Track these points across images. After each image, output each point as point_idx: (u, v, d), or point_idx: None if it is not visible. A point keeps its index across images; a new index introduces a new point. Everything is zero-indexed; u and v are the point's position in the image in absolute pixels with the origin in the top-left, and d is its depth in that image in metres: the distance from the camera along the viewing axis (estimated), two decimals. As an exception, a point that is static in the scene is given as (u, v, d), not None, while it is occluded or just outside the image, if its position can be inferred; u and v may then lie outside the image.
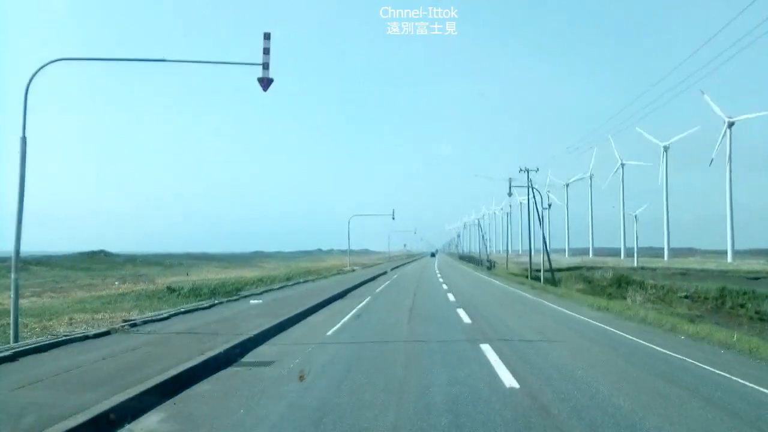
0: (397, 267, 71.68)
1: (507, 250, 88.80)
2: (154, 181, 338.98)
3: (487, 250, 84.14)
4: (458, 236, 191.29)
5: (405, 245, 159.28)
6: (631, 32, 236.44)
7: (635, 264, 78.89)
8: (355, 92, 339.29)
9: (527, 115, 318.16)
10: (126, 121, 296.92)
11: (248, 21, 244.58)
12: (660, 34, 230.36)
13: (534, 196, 46.55)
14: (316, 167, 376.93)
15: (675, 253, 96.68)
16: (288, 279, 28.58)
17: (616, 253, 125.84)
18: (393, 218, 50.78)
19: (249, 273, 62.24)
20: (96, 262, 69.92)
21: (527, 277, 47.01)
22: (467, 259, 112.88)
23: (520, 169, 48.18)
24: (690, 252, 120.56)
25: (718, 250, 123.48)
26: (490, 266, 68.97)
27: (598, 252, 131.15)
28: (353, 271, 53.80)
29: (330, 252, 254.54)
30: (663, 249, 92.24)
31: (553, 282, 40.53)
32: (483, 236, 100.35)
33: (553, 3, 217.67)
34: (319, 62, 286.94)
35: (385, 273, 50.55)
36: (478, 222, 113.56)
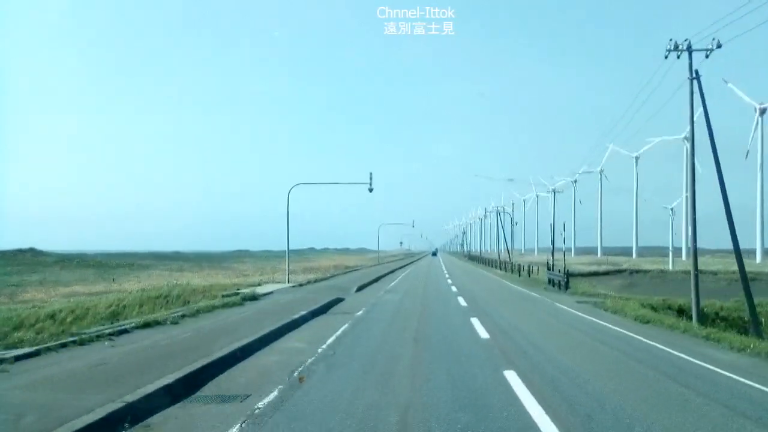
0: (374, 281, 35.81)
1: (551, 247, 66.71)
2: (148, 181, 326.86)
3: (510, 248, 65.61)
4: (464, 233, 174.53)
5: (402, 243, 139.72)
6: (631, 31, 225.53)
7: (671, 266, 65.91)
8: (354, 92, 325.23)
9: (527, 114, 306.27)
10: (122, 119, 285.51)
11: (247, 20, 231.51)
12: (660, 33, 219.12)
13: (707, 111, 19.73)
14: (313, 166, 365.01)
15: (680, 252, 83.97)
16: (114, 316, 14.62)
17: (621, 252, 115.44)
18: (370, 189, 32.07)
19: (202, 278, 49.73)
20: (14, 262, 56.55)
21: (690, 317, 20.21)
22: (478, 260, 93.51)
23: (671, 48, 19.37)
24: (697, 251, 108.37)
25: (721, 250, 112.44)
26: (565, 282, 29.35)
27: (605, 251, 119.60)
28: (244, 297, 19.86)
29: (325, 251, 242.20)
30: (662, 248, 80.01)
31: (756, 324, 19.68)
32: (512, 226, 78.11)
33: (553, 2, 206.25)
34: (318, 62, 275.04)
35: (318, 314, 17.23)
36: (497, 211, 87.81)
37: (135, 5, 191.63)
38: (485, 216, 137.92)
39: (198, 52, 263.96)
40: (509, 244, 61.65)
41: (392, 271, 52.18)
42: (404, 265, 73.92)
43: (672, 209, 72.83)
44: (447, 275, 46.23)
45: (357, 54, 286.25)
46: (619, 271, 46.84)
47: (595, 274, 45.34)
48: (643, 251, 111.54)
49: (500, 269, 58.85)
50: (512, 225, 73.60)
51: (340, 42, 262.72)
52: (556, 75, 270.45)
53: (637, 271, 46.59)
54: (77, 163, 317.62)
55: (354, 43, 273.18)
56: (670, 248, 72.08)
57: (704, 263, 73.25)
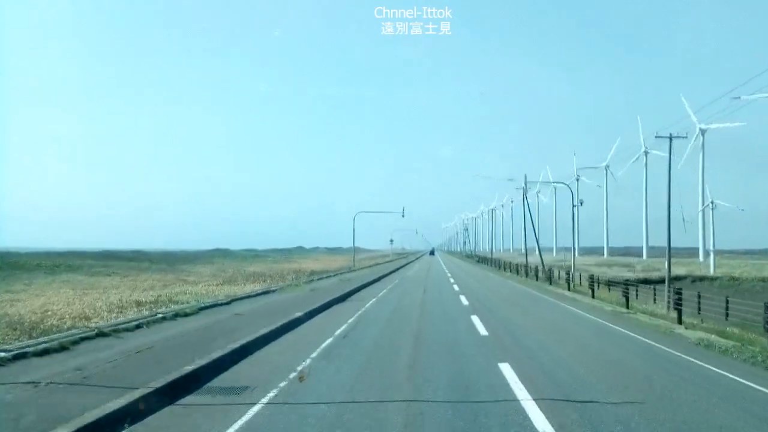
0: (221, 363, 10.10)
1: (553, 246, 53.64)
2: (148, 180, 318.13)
3: (573, 248, 44.84)
4: (466, 229, 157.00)
5: (392, 240, 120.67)
6: (630, 31, 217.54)
7: (712, 268, 54.28)
8: (353, 91, 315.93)
9: (526, 114, 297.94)
10: (125, 118, 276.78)
11: (245, 20, 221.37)
12: (661, 34, 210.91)
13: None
14: (305, 167, 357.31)
15: (677, 252, 73.82)
16: None
17: (624, 252, 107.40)
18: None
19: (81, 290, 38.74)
20: None
21: None
22: (489, 262, 78.03)
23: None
24: (696, 252, 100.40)
25: (729, 251, 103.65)
26: None
27: (608, 251, 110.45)
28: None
29: (314, 250, 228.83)
30: (664, 248, 68.83)
31: None
32: (573, 206, 50.95)
33: (551, 3, 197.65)
34: (315, 62, 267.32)
35: None
36: (524, 195, 58.46)
37: (132, 5, 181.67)
38: (513, 201, 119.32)
39: (196, 51, 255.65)
40: (572, 242, 42.81)
41: (345, 296, 26.15)
42: (385, 275, 47.17)
43: (713, 203, 61.05)
44: (481, 326, 16.62)
45: (354, 54, 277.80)
46: (676, 278, 34.79)
47: (646, 282, 33.19)
48: (648, 251, 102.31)
49: (554, 285, 34.54)
50: (574, 205, 43.38)
51: (338, 42, 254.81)
52: (555, 75, 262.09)
53: (701, 279, 34.49)
54: (73, 162, 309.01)
55: (353, 43, 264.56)
56: (712, 249, 60.48)
57: (732, 266, 61.83)
